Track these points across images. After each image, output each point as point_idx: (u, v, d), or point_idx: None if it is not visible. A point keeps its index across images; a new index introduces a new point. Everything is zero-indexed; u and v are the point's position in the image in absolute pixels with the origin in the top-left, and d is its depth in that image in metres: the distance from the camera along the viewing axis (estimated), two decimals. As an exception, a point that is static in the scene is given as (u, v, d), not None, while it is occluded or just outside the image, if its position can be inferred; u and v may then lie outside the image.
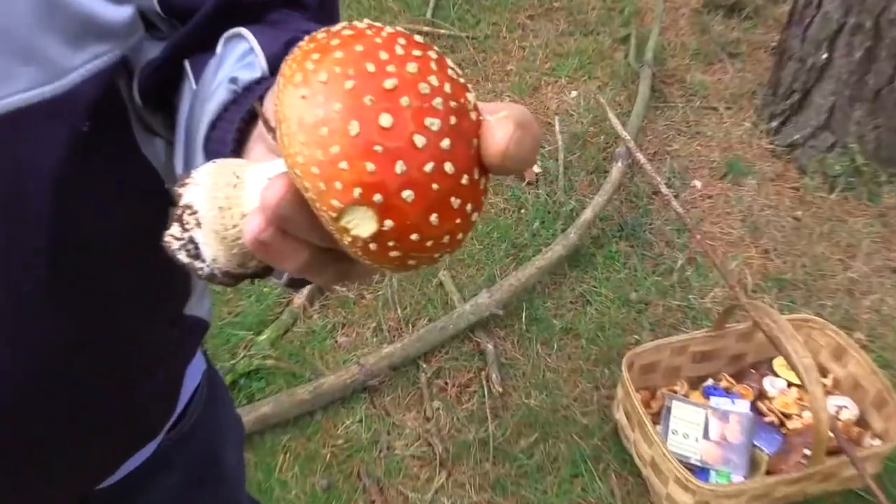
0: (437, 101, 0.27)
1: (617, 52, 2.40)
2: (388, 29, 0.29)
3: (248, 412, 1.42)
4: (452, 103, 0.27)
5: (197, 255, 0.33)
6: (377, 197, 0.25)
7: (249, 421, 1.41)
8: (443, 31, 2.44)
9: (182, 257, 0.33)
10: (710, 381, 1.59)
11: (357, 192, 0.25)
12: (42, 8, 0.39)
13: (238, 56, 0.42)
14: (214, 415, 0.77)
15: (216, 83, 0.42)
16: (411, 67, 0.27)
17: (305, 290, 1.60)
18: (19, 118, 0.41)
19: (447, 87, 0.27)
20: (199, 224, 0.32)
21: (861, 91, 1.90)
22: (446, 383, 1.58)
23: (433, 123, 0.26)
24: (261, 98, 0.38)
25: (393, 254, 0.27)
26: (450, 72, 0.28)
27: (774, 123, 2.07)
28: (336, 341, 1.60)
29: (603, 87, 2.26)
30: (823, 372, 1.58)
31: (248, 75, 0.41)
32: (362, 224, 0.26)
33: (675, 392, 1.55)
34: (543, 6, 2.61)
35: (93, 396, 0.55)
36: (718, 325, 1.52)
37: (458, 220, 0.27)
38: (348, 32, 0.28)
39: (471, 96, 0.29)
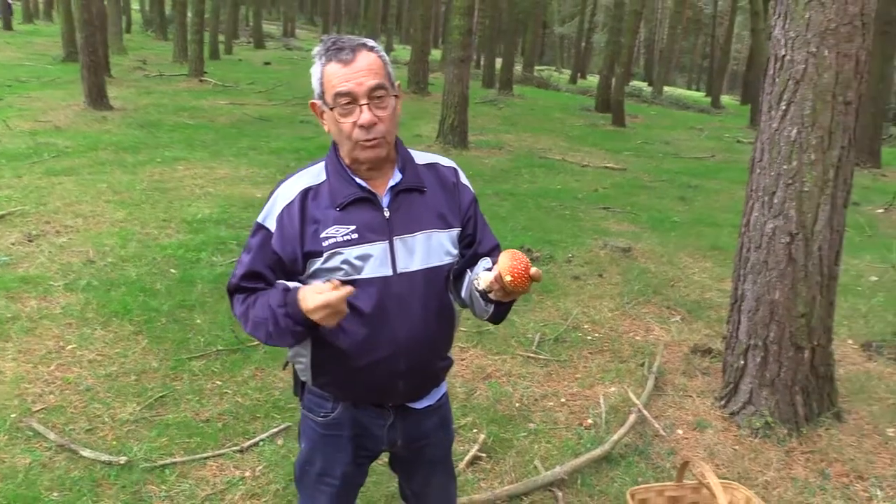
0: (527, 264, 1.51)
1: (638, 369, 4.22)
2: (525, 259, 1.53)
3: None
4: (532, 270, 1.53)
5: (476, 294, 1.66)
6: (508, 277, 1.49)
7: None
8: (541, 357, 4.34)
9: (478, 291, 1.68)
10: (679, 515, 3.03)
11: (508, 277, 1.50)
12: (445, 244, 1.75)
13: (485, 264, 1.71)
14: (447, 407, 1.98)
15: (480, 269, 1.70)
16: (523, 262, 1.52)
17: None
18: (431, 273, 1.73)
19: (529, 268, 1.60)
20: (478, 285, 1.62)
21: (763, 381, 3.57)
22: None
23: (523, 268, 1.50)
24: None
25: (514, 284, 1.49)
26: (532, 271, 1.52)
27: (722, 402, 3.72)
28: None
29: (629, 385, 4.02)
30: (740, 514, 2.98)
31: (487, 265, 1.71)
32: (509, 278, 1.49)
33: (658, 518, 2.99)
34: (598, 347, 4.52)
35: (432, 356, 1.80)
36: (678, 476, 3.01)
37: (526, 286, 1.50)
38: (517, 252, 1.55)
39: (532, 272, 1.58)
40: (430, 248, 1.72)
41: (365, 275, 1.66)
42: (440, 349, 1.84)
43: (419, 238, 1.71)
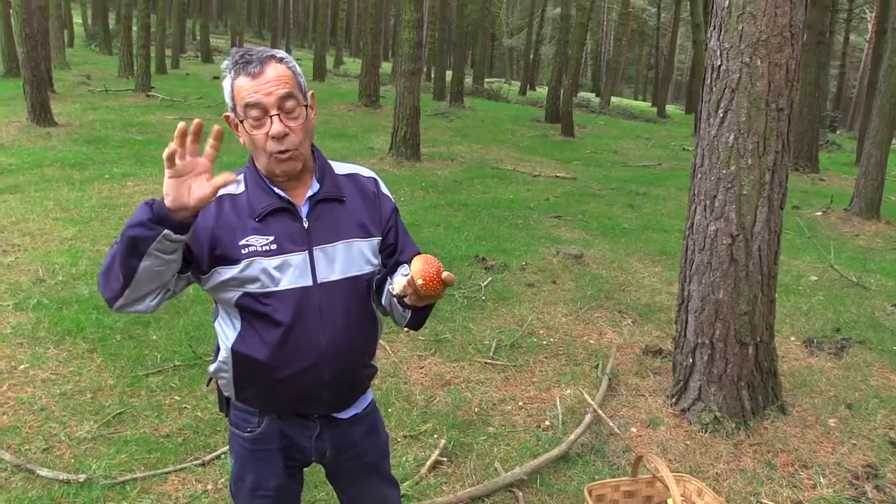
0: (439, 268, 1.52)
1: (592, 371, 4.33)
2: (436, 263, 1.52)
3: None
4: (444, 274, 1.51)
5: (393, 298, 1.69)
6: (420, 280, 1.50)
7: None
8: (498, 362, 4.43)
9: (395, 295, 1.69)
10: (633, 510, 3.13)
11: (420, 280, 1.50)
12: (366, 253, 1.77)
13: (403, 271, 1.68)
14: (376, 414, 1.98)
15: (398, 275, 1.69)
16: (435, 266, 1.52)
17: None
18: (351, 282, 1.75)
19: (441, 272, 1.52)
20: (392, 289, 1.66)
21: (711, 378, 3.72)
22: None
23: (435, 271, 1.50)
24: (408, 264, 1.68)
25: (426, 288, 1.50)
26: (444, 275, 1.50)
27: (673, 399, 3.86)
28: None
29: (584, 387, 4.13)
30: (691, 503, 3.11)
31: (405, 272, 1.65)
32: (421, 282, 1.49)
33: (616, 514, 3.09)
34: (553, 352, 4.63)
35: (356, 364, 1.82)
36: (633, 472, 3.12)
37: (438, 289, 1.51)
38: (429, 257, 1.55)
39: (444, 275, 1.51)
40: (351, 257, 1.75)
41: (283, 286, 1.68)
42: (363, 357, 1.86)
43: (339, 247, 1.74)
